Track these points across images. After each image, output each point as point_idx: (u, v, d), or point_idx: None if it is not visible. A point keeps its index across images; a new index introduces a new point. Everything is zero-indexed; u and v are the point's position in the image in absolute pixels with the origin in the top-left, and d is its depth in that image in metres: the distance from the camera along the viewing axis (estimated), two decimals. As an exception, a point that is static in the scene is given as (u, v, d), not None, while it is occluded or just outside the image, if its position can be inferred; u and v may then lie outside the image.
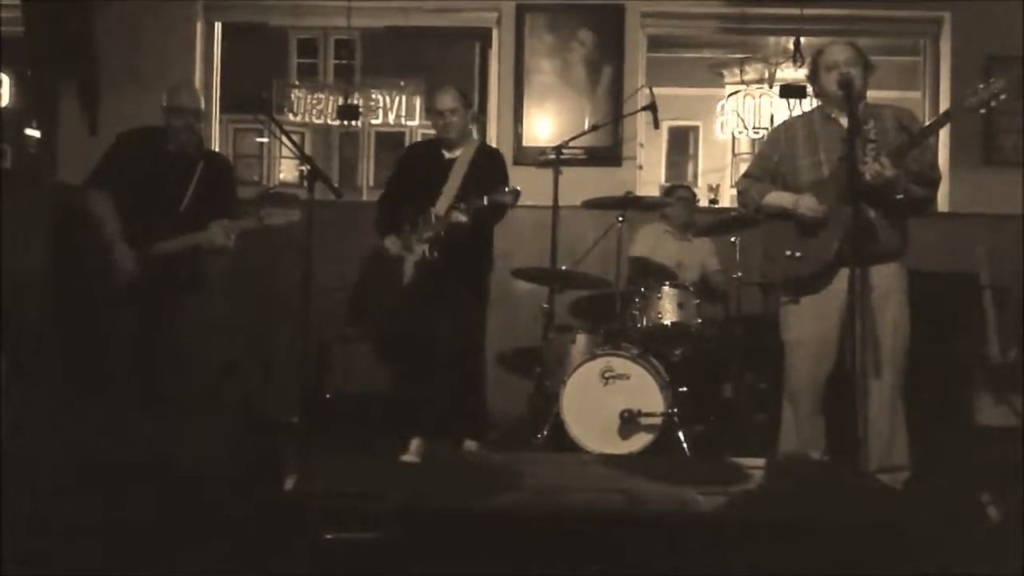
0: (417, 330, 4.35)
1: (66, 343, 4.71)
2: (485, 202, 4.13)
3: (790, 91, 6.10)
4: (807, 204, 3.54)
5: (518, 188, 4.14)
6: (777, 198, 3.67)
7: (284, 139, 3.74)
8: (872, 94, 3.65)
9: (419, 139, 15.46)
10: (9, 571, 2.37)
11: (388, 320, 4.42)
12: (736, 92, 10.66)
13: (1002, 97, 3.27)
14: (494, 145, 5.37)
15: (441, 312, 4.34)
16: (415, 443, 4.20)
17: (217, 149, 6.16)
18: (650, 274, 5.07)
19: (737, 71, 12.32)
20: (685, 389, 4.64)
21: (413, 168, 4.61)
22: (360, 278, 4.50)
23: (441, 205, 4.32)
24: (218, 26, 6.13)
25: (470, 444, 4.41)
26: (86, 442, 3.11)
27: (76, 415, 3.64)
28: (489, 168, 4.46)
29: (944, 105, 5.71)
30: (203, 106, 4.47)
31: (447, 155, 4.49)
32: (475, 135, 4.69)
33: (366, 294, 4.50)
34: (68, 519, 2.56)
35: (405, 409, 4.42)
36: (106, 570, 2.44)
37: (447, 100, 4.44)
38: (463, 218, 4.13)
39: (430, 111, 4.54)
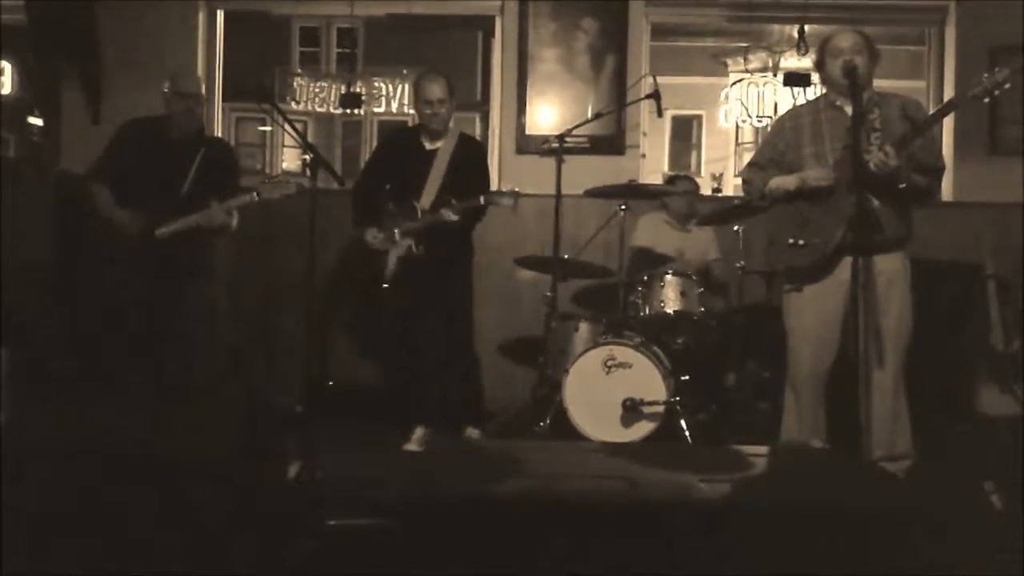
0: (400, 323, 4.35)
1: (70, 333, 4.72)
2: (482, 202, 4.13)
3: (794, 79, 6.10)
4: (815, 175, 3.53)
5: (516, 189, 4.14)
6: (781, 181, 3.65)
7: (286, 127, 3.73)
8: (877, 83, 3.64)
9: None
10: (9, 568, 2.37)
11: (371, 313, 4.43)
12: (740, 81, 10.65)
13: (1006, 86, 3.26)
14: (490, 135, 5.37)
15: (425, 305, 4.34)
16: (418, 432, 4.21)
17: (219, 136, 6.16)
18: (652, 264, 5.07)
19: (741, 59, 12.31)
20: (687, 377, 4.63)
21: (393, 158, 4.57)
22: (340, 269, 4.50)
23: (425, 199, 4.31)
24: (220, 14, 6.11)
25: (472, 432, 4.42)
26: (89, 433, 3.12)
27: (80, 406, 3.64)
28: (472, 160, 4.44)
29: (948, 94, 5.70)
30: (204, 91, 4.50)
31: (428, 146, 4.44)
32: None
33: (347, 285, 4.50)
34: (69, 512, 2.56)
35: (406, 398, 4.43)
36: (106, 563, 2.44)
37: (436, 90, 4.37)
38: (454, 217, 4.12)
39: (417, 99, 4.44)
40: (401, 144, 4.68)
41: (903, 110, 3.52)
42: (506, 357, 5.52)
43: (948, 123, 5.56)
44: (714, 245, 5.40)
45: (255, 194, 4.25)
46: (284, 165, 17.31)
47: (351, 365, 5.16)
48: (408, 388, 4.45)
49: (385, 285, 4.31)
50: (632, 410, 4.31)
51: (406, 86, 15.02)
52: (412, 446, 4.15)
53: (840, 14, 5.77)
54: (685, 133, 17.44)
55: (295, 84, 14.95)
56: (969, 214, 5.41)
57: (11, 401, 3.82)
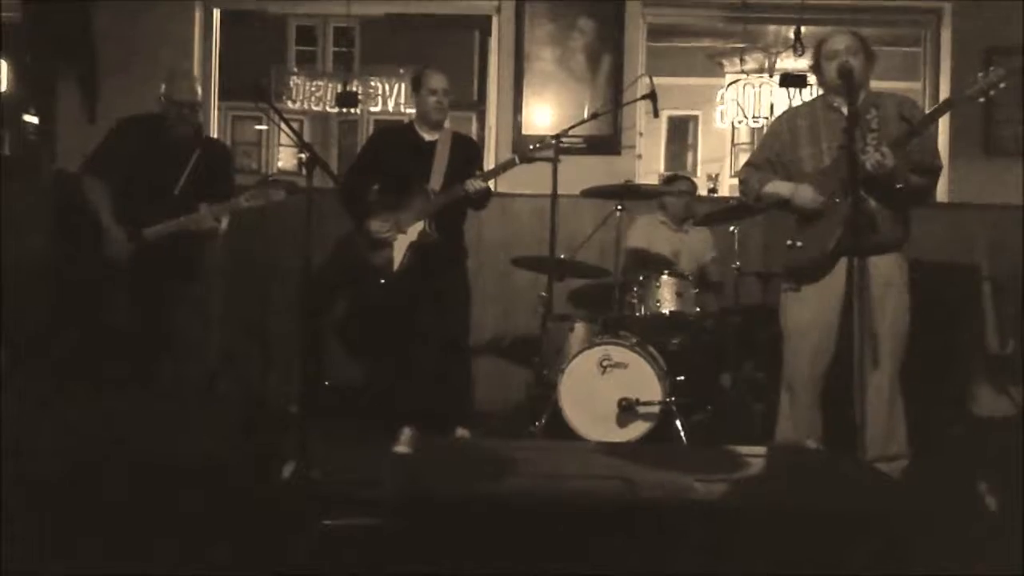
0: (413, 315, 4.34)
1: (66, 332, 4.71)
2: (518, 162, 4.28)
3: (790, 80, 6.10)
4: (804, 195, 3.54)
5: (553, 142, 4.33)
6: (776, 187, 3.67)
7: (283, 126, 3.71)
8: (873, 84, 3.64)
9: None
10: (9, 568, 2.37)
11: (377, 306, 4.42)
12: (736, 81, 10.65)
13: (1001, 86, 3.28)
14: (486, 134, 5.39)
15: (437, 295, 4.34)
16: (406, 433, 4.17)
17: (215, 135, 6.14)
18: (647, 264, 5.06)
19: (737, 60, 12.28)
20: (683, 378, 4.63)
21: (390, 151, 4.56)
22: (332, 266, 4.49)
23: (434, 182, 4.33)
24: (217, 13, 6.10)
25: (462, 432, 4.41)
26: (85, 432, 3.11)
27: (75, 405, 3.64)
28: (472, 150, 4.59)
29: (944, 95, 5.70)
30: (200, 97, 4.46)
31: (427, 137, 4.49)
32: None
33: (345, 281, 4.49)
34: (65, 512, 2.56)
35: (393, 398, 4.42)
36: (102, 566, 2.44)
37: (443, 80, 4.46)
38: (481, 185, 4.21)
39: (421, 88, 4.49)
40: (396, 139, 4.68)
41: (899, 110, 3.52)
42: (501, 357, 5.52)
43: (944, 124, 5.57)
44: (710, 246, 5.40)
45: (242, 200, 4.23)
46: (280, 164, 17.31)
47: (347, 365, 5.15)
48: (396, 387, 4.44)
49: (391, 275, 4.33)
50: (627, 410, 4.31)
51: (402, 85, 15.03)
52: (401, 448, 4.12)
53: (836, 15, 5.78)
54: (681, 134, 17.49)
55: (292, 83, 14.95)
56: (965, 215, 5.42)
57: (9, 401, 3.81)
